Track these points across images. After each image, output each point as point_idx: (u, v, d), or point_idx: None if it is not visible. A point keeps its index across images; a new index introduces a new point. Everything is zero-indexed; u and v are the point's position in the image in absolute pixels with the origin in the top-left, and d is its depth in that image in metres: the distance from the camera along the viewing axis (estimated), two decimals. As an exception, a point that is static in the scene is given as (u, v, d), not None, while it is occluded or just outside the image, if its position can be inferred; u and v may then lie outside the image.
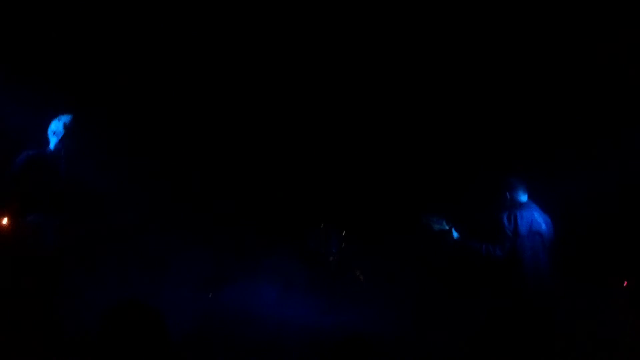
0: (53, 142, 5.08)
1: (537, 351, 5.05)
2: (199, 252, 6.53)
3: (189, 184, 6.74)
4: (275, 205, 7.13)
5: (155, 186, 6.27)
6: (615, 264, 5.91)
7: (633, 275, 5.76)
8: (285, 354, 5.88)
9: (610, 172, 5.91)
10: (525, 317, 5.15)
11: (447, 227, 5.44)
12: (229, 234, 6.73)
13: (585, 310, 5.56)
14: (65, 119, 5.09)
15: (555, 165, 6.08)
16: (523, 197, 5.42)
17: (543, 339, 5.12)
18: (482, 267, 5.40)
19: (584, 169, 5.98)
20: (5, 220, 4.93)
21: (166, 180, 6.53)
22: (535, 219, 5.31)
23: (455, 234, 5.41)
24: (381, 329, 5.99)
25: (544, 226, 5.34)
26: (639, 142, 5.83)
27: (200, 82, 6.72)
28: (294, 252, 6.92)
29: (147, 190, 6.08)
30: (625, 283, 5.74)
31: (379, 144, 6.96)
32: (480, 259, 5.31)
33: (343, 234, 6.98)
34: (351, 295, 6.81)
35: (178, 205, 6.53)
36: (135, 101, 6.46)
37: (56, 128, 5.08)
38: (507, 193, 5.44)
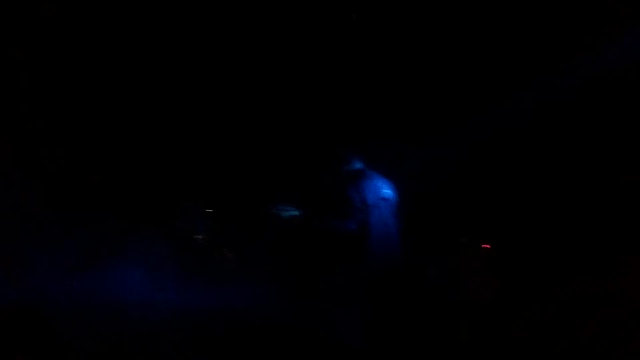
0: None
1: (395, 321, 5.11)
2: (59, 240, 6.20)
3: (44, 165, 6.36)
4: (139, 186, 6.88)
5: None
6: (469, 227, 6.09)
7: (491, 239, 6.01)
8: (156, 337, 5.73)
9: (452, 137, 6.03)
10: (383, 285, 5.16)
11: (296, 212, 5.33)
12: (91, 219, 6.42)
13: (442, 277, 5.76)
14: None
15: (387, 131, 6.08)
16: (358, 166, 5.33)
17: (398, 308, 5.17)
18: (338, 243, 5.31)
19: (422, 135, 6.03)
20: None
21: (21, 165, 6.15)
22: (378, 186, 5.26)
23: (304, 217, 5.31)
24: (251, 306, 6.04)
25: (389, 193, 5.27)
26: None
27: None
28: (160, 233, 6.76)
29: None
30: (484, 246, 5.97)
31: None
32: (336, 236, 5.22)
33: (210, 211, 6.89)
34: (220, 274, 6.76)
35: (32, 192, 6.16)
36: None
37: None
38: (342, 166, 5.34)
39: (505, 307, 5.63)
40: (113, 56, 6.41)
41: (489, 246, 5.96)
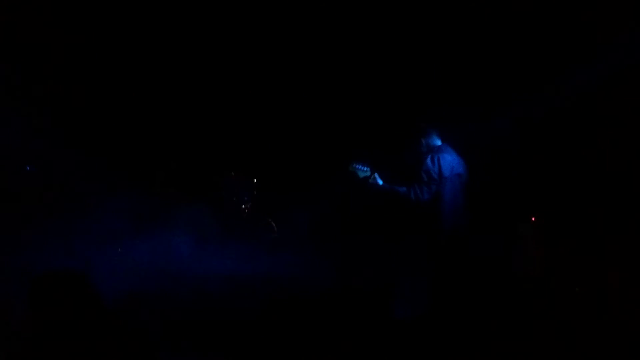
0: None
1: (456, 291, 5.21)
2: (109, 208, 6.30)
3: (96, 138, 6.44)
4: (185, 156, 6.95)
5: (61, 141, 5.98)
6: (522, 202, 6.12)
7: (538, 212, 6.01)
8: (209, 305, 5.81)
9: (511, 115, 6.08)
10: (444, 256, 5.29)
11: (370, 174, 5.46)
12: (141, 188, 6.51)
13: (497, 248, 5.78)
14: None
15: (461, 109, 6.17)
16: (437, 141, 5.49)
17: (461, 278, 5.28)
18: (407, 211, 5.46)
19: (489, 113, 6.11)
20: None
21: (72, 134, 6.23)
22: (455, 161, 5.41)
23: (379, 180, 5.44)
24: (301, 276, 6.11)
25: (461, 168, 5.46)
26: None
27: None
28: (206, 203, 6.83)
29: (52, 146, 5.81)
30: (532, 219, 5.98)
31: (293, 90, 6.83)
32: (407, 203, 5.37)
33: (254, 181, 6.93)
34: (265, 243, 6.83)
35: (85, 160, 6.25)
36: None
37: None
38: (422, 139, 5.49)
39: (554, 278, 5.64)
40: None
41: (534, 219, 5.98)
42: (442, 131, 5.53)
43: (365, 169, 5.42)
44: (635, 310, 4.96)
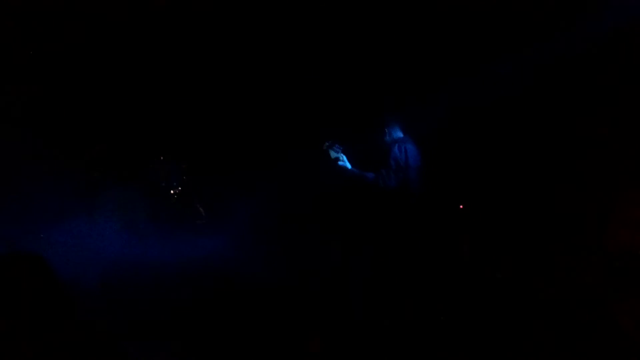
0: None
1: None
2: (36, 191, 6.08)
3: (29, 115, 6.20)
4: (113, 140, 6.75)
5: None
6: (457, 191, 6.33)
7: (466, 201, 6.24)
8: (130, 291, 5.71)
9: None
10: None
11: (342, 156, 5.54)
12: (66, 172, 6.30)
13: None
14: None
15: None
16: (400, 133, 5.69)
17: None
18: (371, 197, 5.57)
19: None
20: None
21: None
22: (416, 152, 5.61)
23: (348, 164, 5.54)
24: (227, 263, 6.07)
25: (420, 160, 5.66)
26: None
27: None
28: (134, 187, 6.68)
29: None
30: (460, 207, 6.20)
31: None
32: (373, 188, 5.50)
33: (184, 166, 6.83)
34: (194, 228, 6.75)
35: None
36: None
37: None
38: (386, 129, 5.66)
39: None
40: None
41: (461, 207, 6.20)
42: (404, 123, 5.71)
43: (338, 150, 5.49)
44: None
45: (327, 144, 5.66)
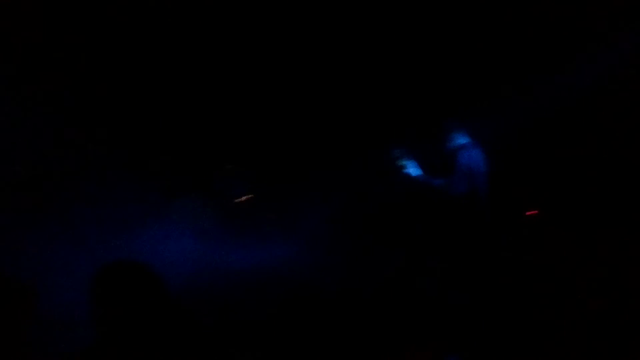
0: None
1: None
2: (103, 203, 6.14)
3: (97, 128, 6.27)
4: (181, 148, 6.79)
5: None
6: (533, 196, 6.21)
7: (544, 205, 6.10)
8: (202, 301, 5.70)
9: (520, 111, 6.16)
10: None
11: (411, 163, 5.48)
12: (134, 180, 6.34)
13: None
14: None
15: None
16: (465, 139, 5.58)
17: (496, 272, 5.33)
18: (439, 204, 5.49)
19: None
20: None
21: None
22: (482, 158, 5.50)
23: (416, 170, 5.46)
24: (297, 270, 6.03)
25: (486, 166, 5.55)
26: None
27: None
28: (202, 195, 6.70)
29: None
30: (536, 212, 6.06)
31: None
32: (443, 196, 5.41)
33: (252, 174, 6.83)
34: (262, 236, 6.73)
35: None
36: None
37: None
38: (452, 135, 5.56)
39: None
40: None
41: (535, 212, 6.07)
42: (469, 129, 5.62)
43: (407, 157, 5.44)
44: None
45: (396, 151, 5.58)
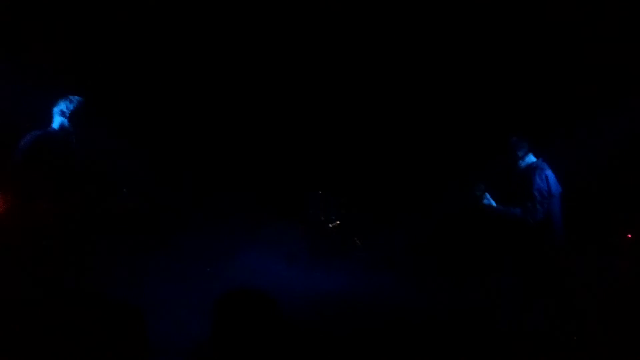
0: (58, 121, 4.84)
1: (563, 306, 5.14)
2: (198, 227, 6.37)
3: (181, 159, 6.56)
4: (273, 174, 6.99)
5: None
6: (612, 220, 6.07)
7: (632, 229, 5.93)
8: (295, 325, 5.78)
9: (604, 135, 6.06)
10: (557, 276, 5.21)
11: (486, 195, 5.43)
12: (228, 207, 6.56)
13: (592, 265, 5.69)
14: (76, 99, 4.86)
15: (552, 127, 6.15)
16: (533, 157, 5.43)
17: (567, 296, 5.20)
18: (516, 231, 5.38)
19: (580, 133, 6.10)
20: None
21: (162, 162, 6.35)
22: (554, 177, 5.35)
23: (492, 201, 5.39)
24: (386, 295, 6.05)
25: (559, 186, 5.40)
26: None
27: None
28: (293, 221, 6.85)
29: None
30: (629, 236, 5.89)
31: (381, 108, 6.86)
32: (518, 223, 5.30)
33: (342, 200, 6.94)
34: (351, 261, 6.81)
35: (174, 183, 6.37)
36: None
37: (65, 107, 4.82)
38: (519, 154, 5.41)
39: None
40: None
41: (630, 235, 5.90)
42: (533, 146, 5.52)
43: (482, 188, 5.40)
44: None
45: (478, 186, 5.52)
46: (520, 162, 5.39)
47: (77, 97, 4.87)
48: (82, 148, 4.86)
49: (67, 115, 4.82)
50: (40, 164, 4.69)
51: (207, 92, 6.70)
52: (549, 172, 5.27)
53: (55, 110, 4.84)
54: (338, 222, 6.90)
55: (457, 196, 5.71)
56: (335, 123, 6.95)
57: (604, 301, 5.42)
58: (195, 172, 6.62)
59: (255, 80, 6.72)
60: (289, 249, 6.67)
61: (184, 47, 6.45)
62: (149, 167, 5.95)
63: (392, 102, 6.81)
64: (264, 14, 6.43)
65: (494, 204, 5.37)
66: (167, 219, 6.29)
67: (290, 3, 6.37)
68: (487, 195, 5.39)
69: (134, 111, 6.18)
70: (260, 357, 2.55)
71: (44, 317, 2.61)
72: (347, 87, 6.82)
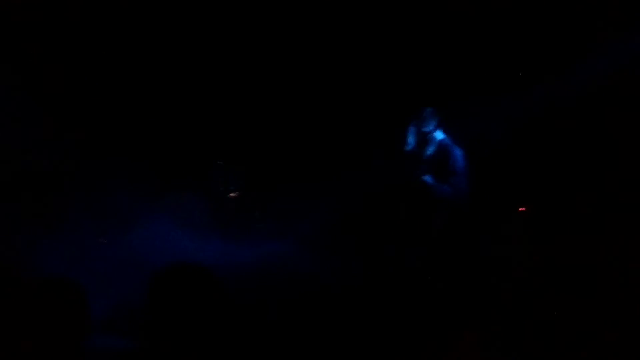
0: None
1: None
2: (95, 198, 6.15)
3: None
4: (174, 143, 6.81)
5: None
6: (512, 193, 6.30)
7: (527, 203, 6.20)
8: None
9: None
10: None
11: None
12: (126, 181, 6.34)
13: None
14: None
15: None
16: (441, 135, 5.56)
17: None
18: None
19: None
20: None
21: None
22: (461, 154, 5.48)
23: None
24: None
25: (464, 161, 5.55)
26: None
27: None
28: (193, 190, 6.73)
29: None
30: (520, 209, 6.16)
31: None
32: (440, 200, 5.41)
33: (243, 172, 6.87)
34: (250, 233, 6.78)
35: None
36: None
37: None
38: (427, 130, 5.50)
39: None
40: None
41: (524, 209, 6.14)
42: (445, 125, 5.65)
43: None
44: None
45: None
46: (429, 137, 5.49)
47: None
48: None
49: None
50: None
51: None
52: (458, 149, 5.42)
53: None
54: (237, 192, 6.84)
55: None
56: (236, 91, 6.84)
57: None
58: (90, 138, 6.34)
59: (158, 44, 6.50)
60: (188, 219, 6.55)
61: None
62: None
63: (297, 67, 6.75)
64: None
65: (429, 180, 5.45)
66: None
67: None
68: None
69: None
70: (203, 331, 2.51)
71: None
72: (248, 55, 6.72)
